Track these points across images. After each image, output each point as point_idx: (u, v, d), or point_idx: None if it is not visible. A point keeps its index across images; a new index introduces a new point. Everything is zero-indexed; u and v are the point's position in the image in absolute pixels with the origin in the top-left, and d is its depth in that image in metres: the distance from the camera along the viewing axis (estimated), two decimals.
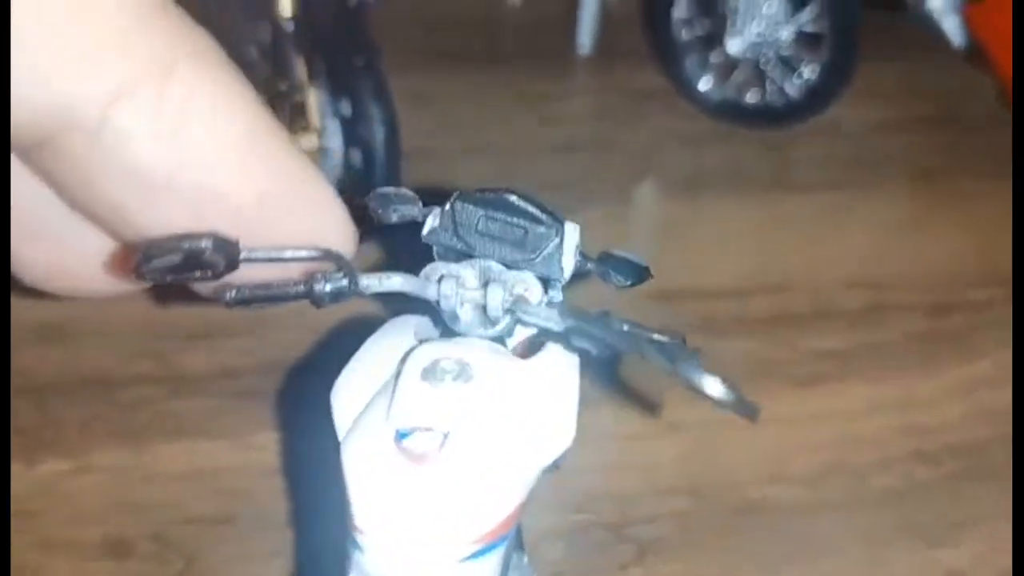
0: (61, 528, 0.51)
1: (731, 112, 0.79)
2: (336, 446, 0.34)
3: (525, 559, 0.44)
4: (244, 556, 0.50)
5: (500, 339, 0.37)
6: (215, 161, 0.31)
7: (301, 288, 0.33)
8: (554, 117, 0.80)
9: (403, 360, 0.35)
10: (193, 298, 0.36)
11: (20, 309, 0.57)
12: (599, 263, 0.38)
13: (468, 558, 0.32)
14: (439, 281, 0.36)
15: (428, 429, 0.33)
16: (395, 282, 0.36)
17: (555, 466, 0.39)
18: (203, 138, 0.30)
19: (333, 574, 0.34)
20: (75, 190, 0.32)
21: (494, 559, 0.34)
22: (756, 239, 0.69)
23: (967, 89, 0.85)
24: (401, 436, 0.33)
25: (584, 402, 0.53)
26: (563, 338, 0.36)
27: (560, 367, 0.37)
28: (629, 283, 0.39)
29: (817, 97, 0.77)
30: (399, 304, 0.37)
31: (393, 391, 0.34)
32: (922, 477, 0.58)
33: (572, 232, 0.37)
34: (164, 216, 0.30)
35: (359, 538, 0.32)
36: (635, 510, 0.54)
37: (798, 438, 0.58)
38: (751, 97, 0.79)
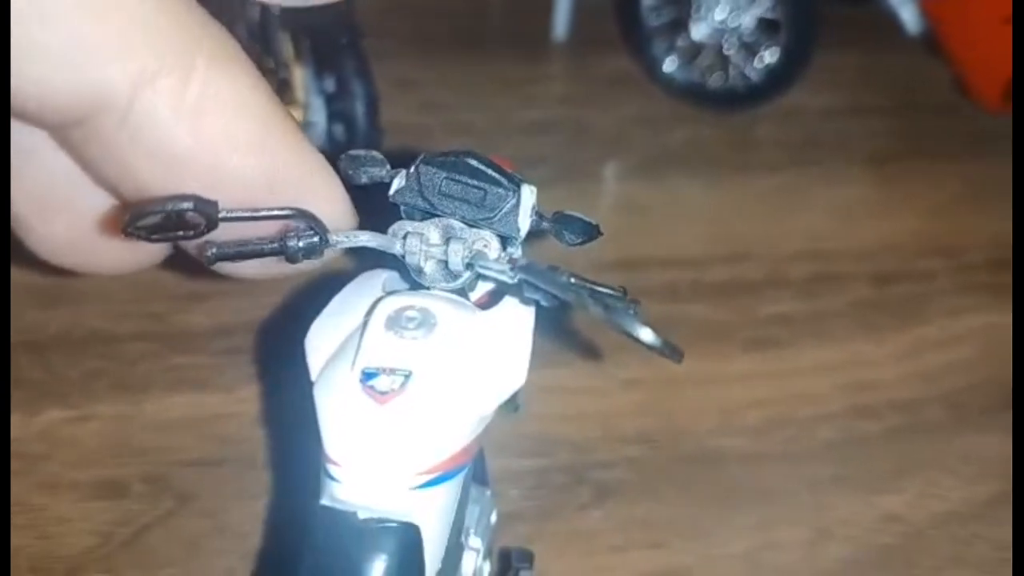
0: (62, 470, 0.55)
1: (696, 95, 0.83)
2: (310, 386, 0.37)
3: (488, 493, 0.48)
4: (231, 495, 0.55)
5: (462, 292, 0.41)
6: (231, 146, 0.35)
7: (276, 245, 0.37)
8: (530, 100, 0.84)
9: (371, 309, 0.38)
10: (187, 261, 0.41)
11: (26, 272, 0.62)
12: (553, 222, 0.42)
13: (426, 485, 0.36)
14: (404, 238, 0.39)
15: (392, 371, 0.36)
16: (363, 238, 0.39)
17: (516, 409, 0.43)
18: (219, 126, 0.34)
19: (307, 500, 0.38)
20: (104, 167, 0.36)
21: (452, 487, 0.38)
22: (716, 214, 0.74)
23: (923, 77, 0.89)
24: (367, 377, 0.36)
25: (547, 359, 0.58)
26: (516, 289, 0.40)
27: (516, 316, 0.41)
28: (580, 240, 0.43)
29: (777, 81, 0.82)
30: (374, 261, 0.41)
31: (360, 337, 0.37)
32: (863, 430, 0.62)
33: (528, 193, 0.40)
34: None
35: (330, 468, 0.35)
36: (593, 456, 0.59)
37: (747, 394, 0.63)
38: (715, 81, 0.83)
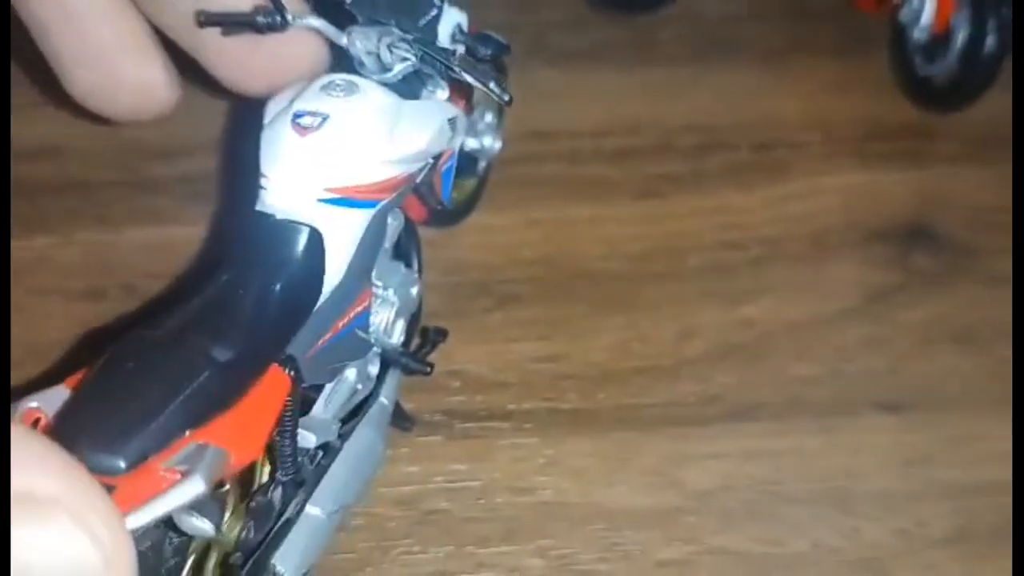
0: (50, 280, 0.67)
1: (603, 2, 0.93)
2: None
3: (415, 276, 0.59)
4: None
5: (405, 89, 0.52)
6: None
7: (247, 18, 0.51)
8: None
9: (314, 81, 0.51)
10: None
11: (16, 133, 0.73)
12: (470, 37, 0.56)
13: (330, 201, 0.48)
14: (350, 34, 0.52)
15: (314, 113, 0.49)
16: (316, 23, 0.53)
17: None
18: None
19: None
20: None
21: (355, 216, 0.50)
22: (618, 98, 0.84)
23: None
24: (296, 116, 0.49)
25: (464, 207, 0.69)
26: (424, 66, 0.52)
27: (433, 107, 0.54)
28: (489, 52, 0.56)
29: None
30: None
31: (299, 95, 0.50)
32: (729, 259, 0.73)
33: (453, 12, 0.54)
34: None
35: (261, 181, 0.48)
36: (498, 274, 0.70)
37: (631, 232, 0.74)
38: None
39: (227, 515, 0.46)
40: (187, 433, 0.40)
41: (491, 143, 0.70)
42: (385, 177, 0.50)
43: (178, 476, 0.39)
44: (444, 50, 0.51)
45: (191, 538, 0.45)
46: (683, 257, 0.72)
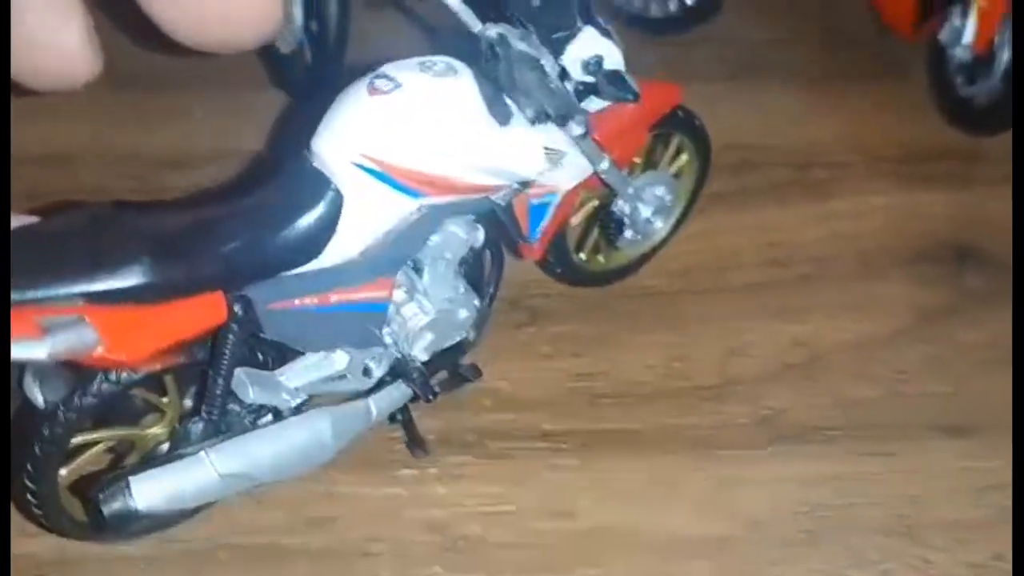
0: None
1: (639, 24, 0.91)
2: None
3: (477, 302, 0.56)
4: None
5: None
6: None
7: None
8: None
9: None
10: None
11: (31, 140, 0.70)
12: (603, 72, 0.53)
13: (363, 167, 0.46)
14: (487, 26, 0.50)
15: (391, 79, 0.47)
16: (452, 2, 0.51)
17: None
18: None
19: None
20: None
21: (387, 194, 0.47)
22: None
23: (845, 8, 0.97)
24: (375, 77, 0.48)
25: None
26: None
27: (538, 130, 0.51)
28: (611, 92, 0.53)
29: (697, 13, 0.90)
30: None
31: None
32: (776, 276, 0.70)
33: (602, 43, 0.52)
34: None
35: (319, 125, 0.48)
36: (533, 290, 0.66)
37: (675, 248, 0.70)
38: (655, 11, 0.92)
39: (158, 426, 0.48)
40: (81, 303, 0.39)
41: (649, 218, 0.63)
42: (435, 170, 0.47)
43: (37, 334, 0.38)
44: (530, 60, 0.49)
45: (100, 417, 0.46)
46: (727, 274, 0.69)
